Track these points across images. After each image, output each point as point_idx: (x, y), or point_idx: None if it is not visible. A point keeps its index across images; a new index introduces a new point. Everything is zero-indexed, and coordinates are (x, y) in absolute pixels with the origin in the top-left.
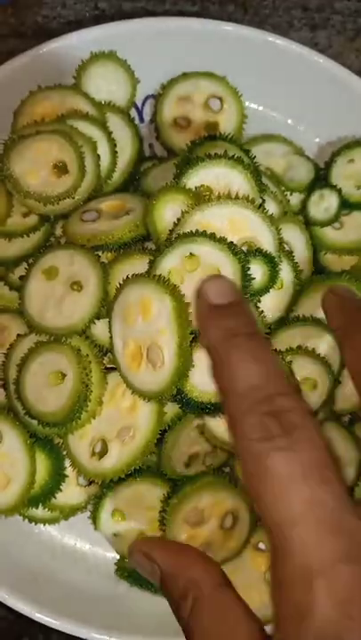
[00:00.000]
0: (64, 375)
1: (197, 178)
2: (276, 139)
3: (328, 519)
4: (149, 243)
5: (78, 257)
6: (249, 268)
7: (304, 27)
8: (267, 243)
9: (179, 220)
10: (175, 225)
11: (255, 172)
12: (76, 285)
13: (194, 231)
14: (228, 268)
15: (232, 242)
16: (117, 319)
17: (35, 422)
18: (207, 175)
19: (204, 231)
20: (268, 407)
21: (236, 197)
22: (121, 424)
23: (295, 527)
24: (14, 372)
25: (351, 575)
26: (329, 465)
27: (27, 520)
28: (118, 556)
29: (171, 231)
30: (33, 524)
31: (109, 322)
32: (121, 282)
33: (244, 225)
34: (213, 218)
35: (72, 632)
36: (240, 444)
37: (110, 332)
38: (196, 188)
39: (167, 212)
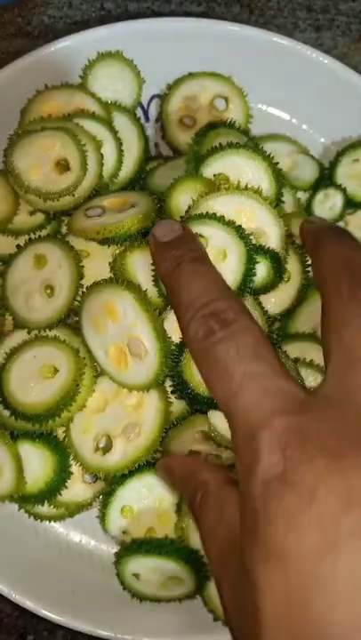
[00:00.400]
0: (57, 370)
1: (216, 166)
2: (282, 138)
3: (263, 385)
4: None
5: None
6: (255, 253)
7: (309, 27)
8: (274, 236)
9: (190, 206)
10: (187, 211)
11: (274, 164)
12: (49, 289)
13: (204, 213)
14: (235, 252)
15: (240, 225)
16: (90, 332)
17: (8, 413)
18: (226, 164)
19: (214, 213)
20: (207, 310)
21: (246, 188)
22: (127, 421)
23: (236, 397)
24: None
25: (287, 425)
26: (262, 344)
27: (32, 517)
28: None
29: (182, 217)
30: (38, 520)
31: (83, 338)
32: (80, 296)
33: (252, 216)
34: (223, 206)
35: (77, 628)
36: (191, 348)
37: (88, 346)
38: (214, 175)
39: (183, 199)
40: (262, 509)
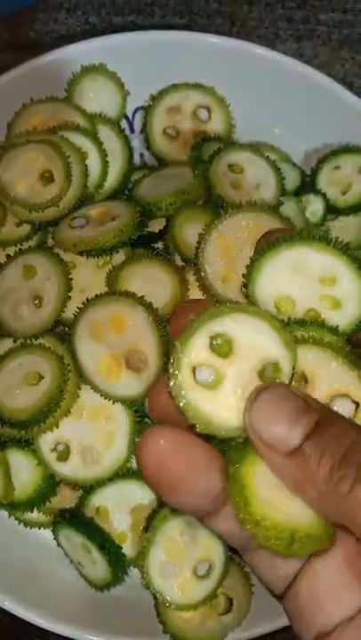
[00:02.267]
0: (41, 377)
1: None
2: (264, 146)
3: None
4: (158, 244)
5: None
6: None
7: (290, 38)
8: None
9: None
10: (197, 247)
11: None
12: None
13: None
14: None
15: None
16: (85, 339)
17: None
18: (237, 157)
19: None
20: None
21: (255, 204)
22: (90, 443)
23: None
24: None
25: None
26: None
27: (22, 524)
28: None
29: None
30: (28, 527)
31: (71, 345)
32: (83, 304)
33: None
34: (233, 229)
35: (68, 634)
36: None
37: (75, 353)
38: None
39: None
40: None
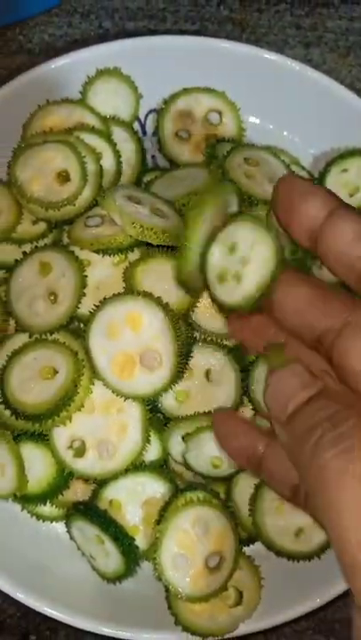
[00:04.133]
0: (56, 372)
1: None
2: (273, 149)
3: None
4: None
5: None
6: None
7: (298, 44)
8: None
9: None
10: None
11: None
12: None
13: None
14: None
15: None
16: (99, 337)
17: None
18: (253, 154)
19: None
20: None
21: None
22: (105, 437)
23: None
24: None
25: None
26: None
27: (35, 517)
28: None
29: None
30: (41, 520)
31: (85, 341)
32: (100, 302)
33: None
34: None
35: (80, 626)
36: None
37: (88, 350)
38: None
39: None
40: None
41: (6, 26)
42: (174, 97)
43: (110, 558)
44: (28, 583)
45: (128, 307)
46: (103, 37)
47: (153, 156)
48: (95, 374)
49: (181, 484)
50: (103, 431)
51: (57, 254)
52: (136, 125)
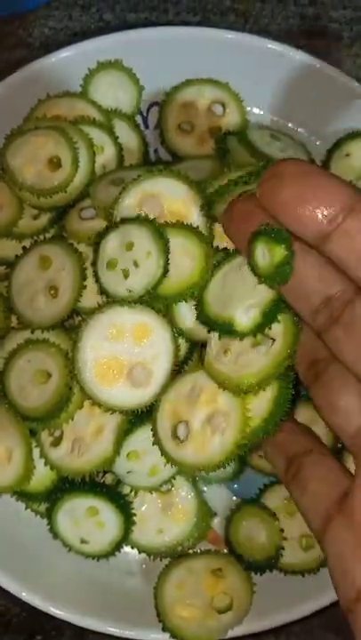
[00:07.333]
0: (49, 375)
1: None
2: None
3: None
4: None
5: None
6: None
7: (302, 34)
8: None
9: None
10: None
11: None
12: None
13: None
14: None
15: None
16: (98, 330)
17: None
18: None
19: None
20: None
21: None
22: (80, 435)
23: None
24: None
25: None
26: None
27: (39, 516)
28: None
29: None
30: (45, 520)
31: (79, 332)
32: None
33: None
34: None
35: (86, 625)
36: None
37: (76, 344)
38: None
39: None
40: None
41: (6, 19)
42: (177, 89)
43: (107, 527)
44: (33, 583)
45: (144, 317)
46: (104, 30)
47: (155, 150)
48: (71, 365)
49: None
50: (81, 428)
51: (56, 247)
52: (138, 119)
